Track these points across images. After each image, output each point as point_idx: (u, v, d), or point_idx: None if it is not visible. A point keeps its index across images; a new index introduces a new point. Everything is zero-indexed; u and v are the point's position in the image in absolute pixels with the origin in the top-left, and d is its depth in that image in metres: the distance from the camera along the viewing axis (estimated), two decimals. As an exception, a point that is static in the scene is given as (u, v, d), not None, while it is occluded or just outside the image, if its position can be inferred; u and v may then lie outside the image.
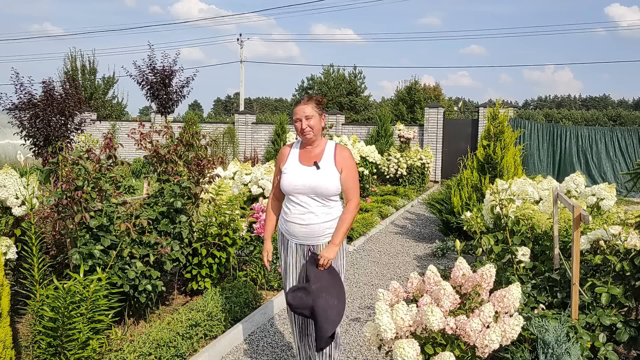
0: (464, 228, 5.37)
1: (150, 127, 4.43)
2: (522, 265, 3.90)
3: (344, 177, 3.00)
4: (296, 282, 3.08)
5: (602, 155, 15.78)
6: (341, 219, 3.00)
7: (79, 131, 10.95)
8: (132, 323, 3.88)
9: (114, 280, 3.47)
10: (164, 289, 3.93)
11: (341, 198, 3.11)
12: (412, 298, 2.82)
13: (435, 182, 16.70)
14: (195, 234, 4.50)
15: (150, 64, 14.15)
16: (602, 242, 3.40)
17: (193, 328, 3.67)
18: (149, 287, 3.69)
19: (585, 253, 3.62)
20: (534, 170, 15.14)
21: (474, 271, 2.76)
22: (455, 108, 28.53)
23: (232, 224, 4.55)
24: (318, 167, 2.99)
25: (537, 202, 5.16)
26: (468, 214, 5.34)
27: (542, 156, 16.03)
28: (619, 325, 3.05)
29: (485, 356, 2.40)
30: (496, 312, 2.54)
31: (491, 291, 2.67)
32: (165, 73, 14.19)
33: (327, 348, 3.07)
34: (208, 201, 4.62)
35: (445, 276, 3.02)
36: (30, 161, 11.71)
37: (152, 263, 3.79)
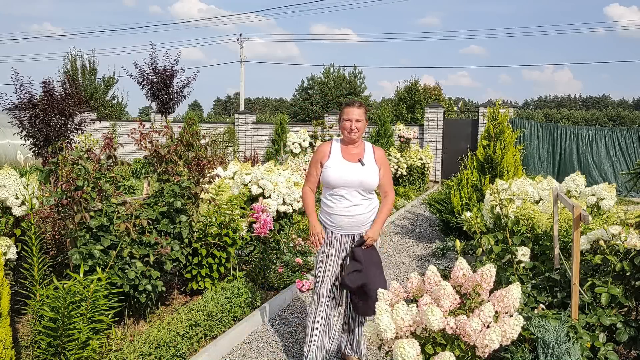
0: (464, 228, 5.37)
1: (150, 127, 4.43)
2: (522, 265, 3.90)
3: (382, 173, 3.38)
4: (334, 271, 3.37)
5: (603, 155, 15.78)
6: (383, 207, 3.40)
7: (79, 131, 10.93)
8: (132, 323, 3.88)
9: (114, 280, 3.47)
10: (164, 289, 3.93)
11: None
12: (412, 298, 2.82)
13: (435, 182, 16.70)
14: (195, 234, 4.50)
15: (152, 64, 14.14)
16: (602, 242, 3.40)
17: (193, 328, 3.67)
18: (149, 287, 3.69)
19: (585, 253, 3.62)
20: (534, 170, 15.14)
21: (474, 271, 2.76)
22: (455, 108, 28.52)
23: (232, 224, 4.55)
24: (363, 164, 3.31)
25: (537, 202, 5.16)
26: (468, 214, 5.34)
27: (542, 156, 16.03)
28: (619, 325, 3.05)
29: (485, 356, 2.40)
30: (496, 312, 2.54)
31: (491, 291, 2.67)
32: (167, 73, 14.17)
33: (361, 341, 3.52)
34: (208, 201, 4.61)
35: (445, 276, 3.02)
36: (30, 161, 11.71)
37: (152, 263, 3.79)
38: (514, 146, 7.44)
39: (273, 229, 4.81)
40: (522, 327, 2.53)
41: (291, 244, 6.02)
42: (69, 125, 10.82)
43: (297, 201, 6.86)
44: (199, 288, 4.47)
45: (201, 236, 4.49)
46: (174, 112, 14.86)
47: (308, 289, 5.10)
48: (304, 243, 6.08)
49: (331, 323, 3.37)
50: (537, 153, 15.99)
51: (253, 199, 6.48)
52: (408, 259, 6.76)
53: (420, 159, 14.38)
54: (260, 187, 6.58)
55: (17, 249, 3.75)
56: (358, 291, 3.26)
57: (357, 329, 3.53)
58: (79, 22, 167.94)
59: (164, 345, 3.34)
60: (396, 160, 14.11)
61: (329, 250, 3.36)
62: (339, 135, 13.04)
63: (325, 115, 19.03)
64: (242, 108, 29.59)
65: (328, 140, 3.48)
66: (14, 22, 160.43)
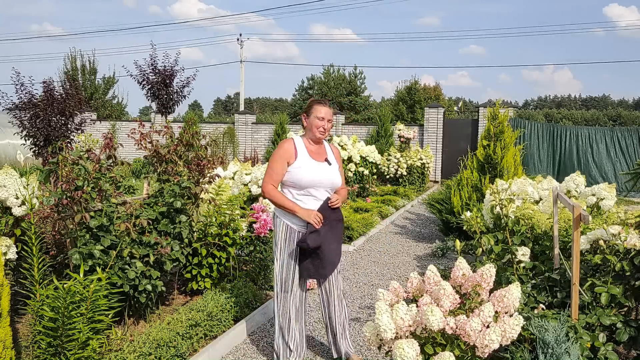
0: (464, 228, 5.36)
1: (150, 127, 4.43)
2: (522, 265, 3.90)
3: (340, 171, 3.47)
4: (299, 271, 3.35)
5: (603, 155, 15.77)
6: (342, 189, 3.47)
7: (79, 131, 10.95)
8: (132, 323, 3.88)
9: (114, 280, 3.47)
10: (164, 289, 3.93)
11: None
12: (412, 298, 2.82)
13: (435, 182, 16.70)
14: (195, 234, 4.50)
15: (152, 64, 14.14)
16: (602, 242, 3.40)
17: (193, 328, 3.67)
18: (149, 287, 3.69)
19: (585, 253, 3.62)
20: (534, 170, 15.14)
21: (474, 271, 2.76)
22: (455, 108, 28.54)
23: (232, 224, 4.56)
24: (330, 163, 3.35)
25: (537, 202, 5.16)
26: (468, 213, 5.34)
27: (542, 156, 16.02)
28: (619, 325, 3.05)
29: (485, 356, 2.41)
30: (496, 312, 2.55)
31: (491, 291, 2.67)
32: (167, 73, 14.17)
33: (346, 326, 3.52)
34: (208, 201, 4.62)
35: (445, 276, 3.02)
36: (30, 161, 11.70)
37: (152, 263, 3.79)
38: (514, 146, 7.44)
39: (273, 228, 4.81)
40: (522, 327, 2.54)
41: (291, 244, 6.01)
42: (69, 125, 10.84)
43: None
44: (199, 288, 4.47)
45: (201, 236, 4.49)
46: (174, 112, 14.87)
47: (308, 289, 5.09)
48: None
49: (301, 321, 3.44)
50: (537, 153, 15.99)
51: (253, 199, 6.48)
52: (408, 259, 6.76)
53: (420, 159, 14.37)
54: (260, 187, 6.58)
55: (17, 249, 3.75)
56: (313, 253, 3.25)
57: (339, 328, 3.51)
58: (79, 22, 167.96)
59: (164, 345, 3.35)
60: (396, 160, 14.11)
61: (292, 250, 3.30)
62: (338, 136, 13.03)
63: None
64: (242, 108, 29.59)
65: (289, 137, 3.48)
66: (14, 22, 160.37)
